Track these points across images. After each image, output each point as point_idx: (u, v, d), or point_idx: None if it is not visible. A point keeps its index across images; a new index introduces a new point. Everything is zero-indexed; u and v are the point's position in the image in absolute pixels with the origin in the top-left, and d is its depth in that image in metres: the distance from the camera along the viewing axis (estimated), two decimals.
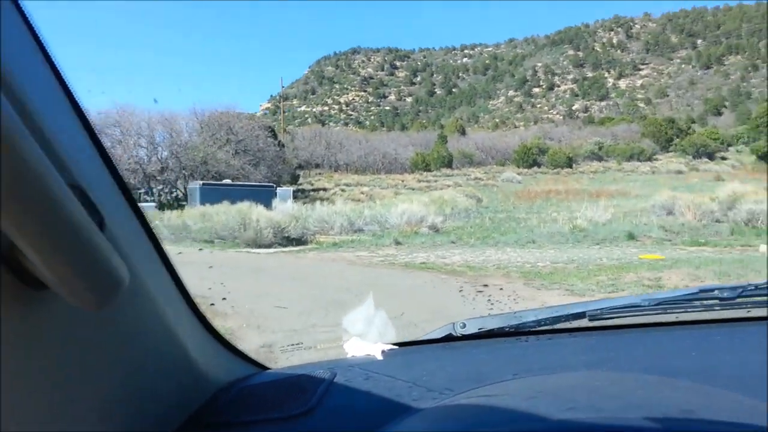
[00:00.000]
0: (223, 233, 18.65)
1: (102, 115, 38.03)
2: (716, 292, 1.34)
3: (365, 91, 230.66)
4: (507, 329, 1.32)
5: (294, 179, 50.57)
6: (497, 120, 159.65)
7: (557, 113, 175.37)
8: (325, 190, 46.53)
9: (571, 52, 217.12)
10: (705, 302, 1.35)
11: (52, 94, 0.70)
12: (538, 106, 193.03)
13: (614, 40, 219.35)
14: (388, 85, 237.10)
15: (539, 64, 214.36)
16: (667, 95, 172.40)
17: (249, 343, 5.86)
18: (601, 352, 1.19)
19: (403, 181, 52.07)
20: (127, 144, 36.87)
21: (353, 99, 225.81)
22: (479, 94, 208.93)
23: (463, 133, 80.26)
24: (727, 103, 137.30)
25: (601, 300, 1.40)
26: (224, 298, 8.45)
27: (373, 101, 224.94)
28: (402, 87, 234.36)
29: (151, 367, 0.84)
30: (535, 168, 59.76)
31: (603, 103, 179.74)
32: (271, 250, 16.70)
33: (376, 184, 49.76)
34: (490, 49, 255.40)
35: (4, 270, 0.57)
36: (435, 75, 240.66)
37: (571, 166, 59.97)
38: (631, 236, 16.45)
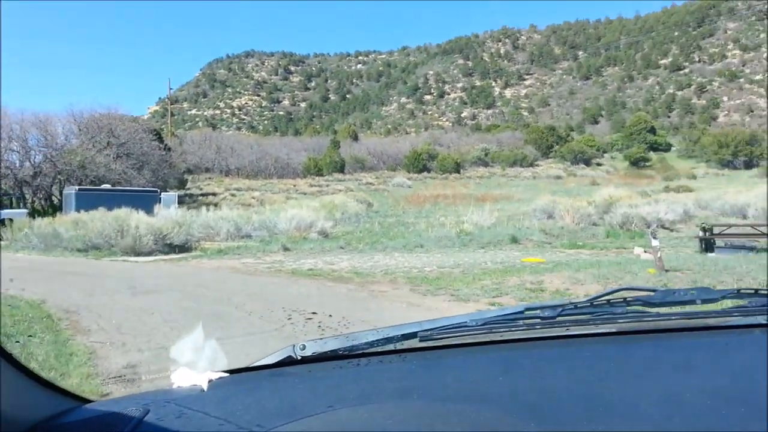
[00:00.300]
0: (97, 241, 17.54)
1: None
2: (539, 311, 1.36)
3: (259, 95, 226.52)
4: (341, 351, 1.29)
5: (182, 184, 48.79)
6: (390, 126, 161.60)
7: (447, 120, 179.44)
8: (214, 194, 45.21)
9: (461, 61, 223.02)
10: (528, 321, 1.37)
11: None
12: (429, 113, 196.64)
13: (501, 51, 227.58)
14: (282, 90, 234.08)
15: (431, 72, 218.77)
16: (549, 104, 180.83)
17: (112, 363, 5.39)
18: (418, 378, 1.18)
19: (295, 185, 51.67)
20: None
21: (246, 103, 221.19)
22: (372, 100, 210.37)
23: (355, 138, 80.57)
24: (603, 112, 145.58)
25: (435, 319, 1.39)
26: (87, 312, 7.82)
27: (267, 106, 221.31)
28: (296, 92, 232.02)
29: None
30: (425, 173, 61.06)
31: (490, 111, 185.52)
32: (150, 258, 15.86)
33: (267, 189, 49.09)
34: (383, 56, 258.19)
35: None
36: (329, 81, 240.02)
37: (459, 172, 61.66)
38: (514, 239, 16.96)
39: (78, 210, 23.60)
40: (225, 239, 18.78)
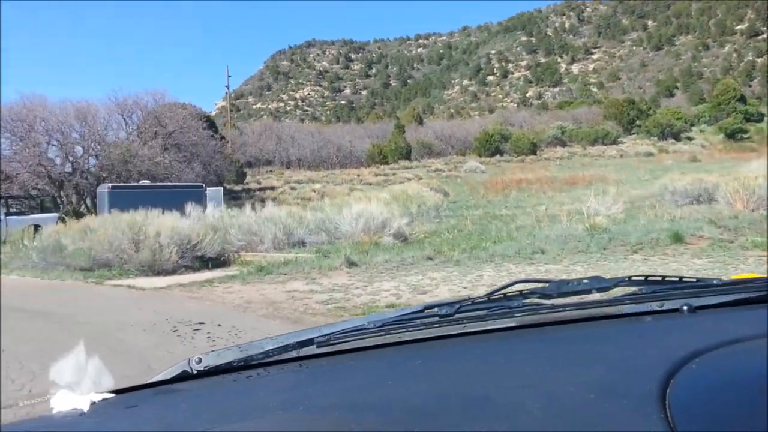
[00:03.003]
0: (107, 256, 13.34)
1: (6, 109, 32.16)
2: (437, 309, 1.33)
3: (320, 85, 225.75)
4: (235, 363, 1.23)
5: (240, 178, 45.20)
6: (452, 110, 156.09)
7: (511, 101, 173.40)
8: (272, 188, 41.28)
9: (524, 38, 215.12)
10: (425, 321, 1.33)
11: None
12: (493, 94, 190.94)
13: (566, 25, 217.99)
14: (344, 79, 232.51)
15: (493, 52, 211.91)
16: (619, 78, 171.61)
17: None
18: (306, 387, 1.14)
19: (359, 175, 47.68)
20: (36, 142, 30.94)
21: (309, 94, 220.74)
22: (434, 84, 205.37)
23: (420, 122, 75.85)
24: (678, 84, 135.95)
25: (334, 323, 1.37)
26: None
27: (329, 95, 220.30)
28: (357, 80, 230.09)
29: None
30: (498, 156, 56.35)
31: (557, 89, 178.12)
32: (165, 282, 11.46)
33: (329, 180, 45.22)
34: (444, 38, 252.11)
35: None
36: (390, 66, 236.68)
37: (535, 153, 56.89)
38: (677, 237, 11.73)
39: (111, 211, 20.05)
40: (271, 248, 14.27)
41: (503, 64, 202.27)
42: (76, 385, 1.10)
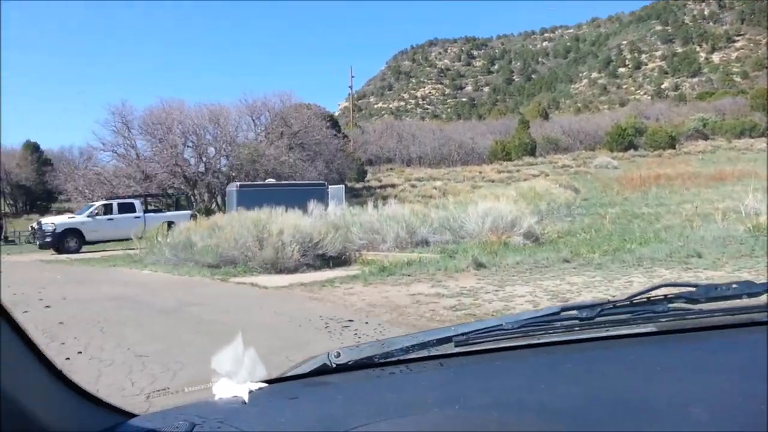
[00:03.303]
0: (232, 253, 13.35)
1: (147, 112, 34.24)
2: (576, 311, 1.33)
3: (441, 83, 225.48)
4: (376, 359, 1.26)
5: (361, 176, 45.47)
6: (579, 104, 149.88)
7: (645, 93, 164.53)
8: (393, 186, 41.13)
9: (659, 27, 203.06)
10: (565, 323, 1.32)
11: None
12: (624, 86, 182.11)
13: (705, 12, 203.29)
14: (465, 76, 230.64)
15: (624, 43, 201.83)
16: (766, 67, 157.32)
17: None
18: (457, 385, 1.17)
19: (481, 172, 46.54)
20: (173, 143, 32.62)
21: (429, 92, 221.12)
22: (560, 78, 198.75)
23: (545, 117, 73.21)
24: None
25: (468, 323, 1.38)
26: None
27: (450, 93, 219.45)
28: (479, 76, 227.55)
29: None
30: (632, 151, 53.06)
31: (695, 80, 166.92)
32: (286, 280, 11.19)
33: (450, 178, 44.45)
34: (571, 30, 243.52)
35: None
36: (513, 62, 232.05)
37: (674, 147, 53.18)
38: None
39: (238, 209, 20.48)
40: (393, 247, 13.73)
41: (635, 54, 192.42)
42: (234, 374, 1.17)
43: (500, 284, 9.42)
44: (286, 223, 13.63)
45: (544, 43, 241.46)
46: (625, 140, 54.43)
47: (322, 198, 22.85)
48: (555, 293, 8.51)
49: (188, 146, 33.61)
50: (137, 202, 24.45)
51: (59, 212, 31.53)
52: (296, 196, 20.74)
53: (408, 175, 47.59)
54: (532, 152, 53.66)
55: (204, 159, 33.33)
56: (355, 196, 33.96)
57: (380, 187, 41.72)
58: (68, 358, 5.81)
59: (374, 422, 0.97)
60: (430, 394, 1.10)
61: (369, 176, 47.44)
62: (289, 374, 1.29)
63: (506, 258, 11.54)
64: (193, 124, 33.61)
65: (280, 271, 12.55)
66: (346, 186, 35.27)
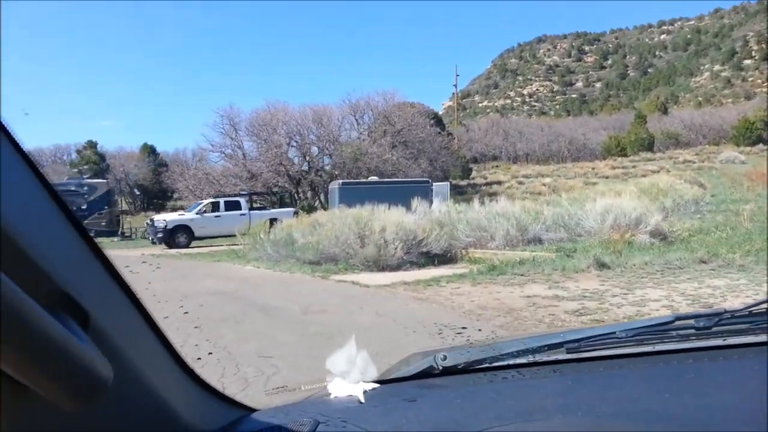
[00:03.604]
0: (333, 251, 12.88)
1: (253, 114, 34.98)
2: (692, 320, 1.30)
3: (550, 80, 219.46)
4: (486, 362, 1.26)
5: (466, 173, 44.39)
6: (700, 98, 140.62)
7: None
8: (499, 183, 39.78)
9: None
10: (681, 332, 1.30)
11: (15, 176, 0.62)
12: (750, 79, 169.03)
13: None
14: (576, 72, 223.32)
15: (751, 33, 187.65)
16: None
17: None
18: (576, 393, 1.15)
19: (593, 168, 44.20)
20: (278, 143, 33.09)
21: (537, 89, 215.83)
22: (679, 71, 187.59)
23: (664, 111, 68.93)
24: None
25: (578, 329, 1.37)
26: None
27: (559, 90, 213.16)
28: (590, 72, 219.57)
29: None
30: (761, 145, 48.65)
31: None
32: (389, 279, 10.50)
33: (560, 174, 42.45)
34: (692, 22, 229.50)
35: None
36: (628, 56, 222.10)
37: None
38: None
39: (340, 206, 20.23)
40: (503, 245, 12.76)
41: (763, 46, 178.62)
42: (347, 374, 1.19)
43: (628, 287, 8.30)
44: (388, 220, 13.04)
45: (662, 36, 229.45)
46: (753, 134, 50.21)
47: (426, 195, 22.15)
48: (694, 297, 7.34)
49: (292, 146, 34.00)
50: (243, 200, 24.80)
51: (173, 209, 32.73)
52: (399, 193, 20.25)
53: (515, 171, 46.04)
54: (649, 147, 50.57)
55: (307, 158, 33.58)
56: (459, 194, 33.06)
57: (486, 184, 40.49)
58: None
59: (498, 426, 0.95)
60: (550, 400, 1.08)
61: (474, 173, 46.27)
62: (396, 375, 1.29)
63: (632, 258, 10.32)
64: (297, 124, 33.97)
65: (382, 269, 11.98)
66: (450, 183, 34.43)
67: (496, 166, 51.65)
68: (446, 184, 28.29)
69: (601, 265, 9.79)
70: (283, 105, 35.21)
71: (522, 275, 9.76)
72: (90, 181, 33.40)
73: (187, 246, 22.32)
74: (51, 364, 0.55)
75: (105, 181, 33.78)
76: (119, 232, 31.41)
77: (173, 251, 20.79)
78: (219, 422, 1.05)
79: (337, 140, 33.85)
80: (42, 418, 0.65)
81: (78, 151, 51.83)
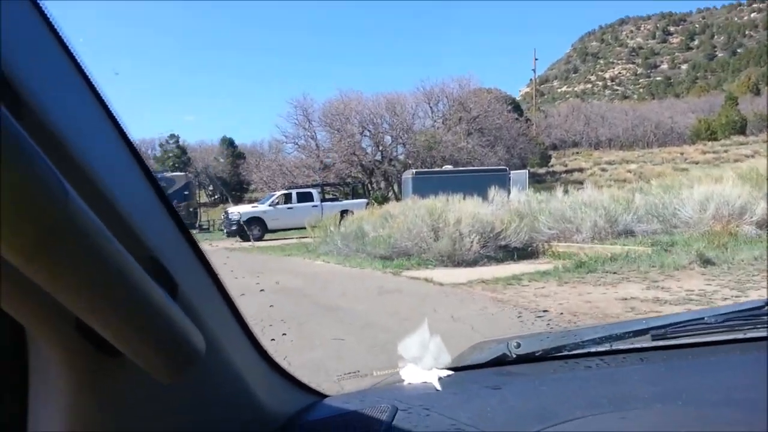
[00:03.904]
0: (405, 244, 12.23)
1: (326, 104, 34.78)
2: None
3: (633, 62, 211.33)
4: (565, 350, 1.23)
5: (544, 161, 42.82)
6: None
7: None
8: (580, 170, 38.10)
9: None
10: None
11: (109, 149, 0.65)
12: None
13: None
14: (660, 54, 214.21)
15: None
16: None
17: None
18: (671, 380, 1.10)
19: (682, 153, 41.77)
20: (351, 133, 32.75)
21: (619, 73, 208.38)
22: None
23: (756, 92, 64.65)
24: None
25: (664, 316, 1.35)
26: None
27: (642, 72, 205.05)
28: (676, 53, 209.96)
29: (220, 414, 0.85)
30: None
31: None
32: (465, 275, 9.73)
33: (646, 160, 40.28)
34: None
35: (79, 338, 0.58)
36: (716, 36, 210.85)
37: None
38: None
39: (414, 196, 19.62)
40: (590, 238, 11.74)
41: None
42: (420, 360, 1.17)
43: (739, 286, 7.25)
44: (464, 211, 12.26)
45: (752, 15, 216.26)
46: None
47: (504, 184, 21.17)
48: None
49: (365, 135, 33.58)
50: (315, 191, 24.56)
51: (250, 202, 32.99)
52: (475, 182, 19.50)
53: (597, 158, 44.07)
54: (741, 130, 47.43)
55: (380, 147, 33.07)
56: (538, 182, 31.79)
57: (566, 171, 38.89)
58: None
59: (594, 415, 0.92)
60: (643, 388, 1.04)
61: (553, 161, 44.57)
62: (469, 363, 1.26)
63: (739, 252, 9.18)
64: (370, 113, 33.51)
65: (458, 264, 11.26)
66: (528, 172, 33.18)
67: (577, 153, 49.65)
68: (524, 172, 27.11)
69: (705, 262, 8.70)
70: (357, 94, 34.92)
71: (614, 273, 8.80)
72: (168, 174, 34.09)
73: (260, 239, 22.25)
74: (152, 330, 0.55)
75: (183, 174, 34.42)
76: (197, 225, 31.93)
77: (247, 244, 20.72)
78: (293, 407, 1.05)
79: (411, 129, 33.15)
80: (134, 389, 0.66)
81: (161, 145, 53.40)
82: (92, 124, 0.61)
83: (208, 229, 31.76)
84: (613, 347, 1.23)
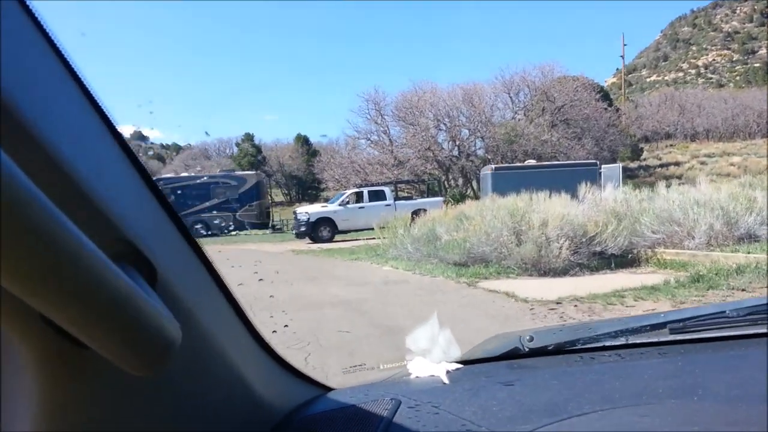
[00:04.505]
0: (482, 249, 10.75)
1: (399, 97, 33.53)
2: None
3: (729, 48, 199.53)
4: (579, 344, 1.21)
5: (635, 154, 39.98)
6: None
7: None
8: (677, 164, 35.18)
9: None
10: None
11: (79, 118, 0.62)
12: None
13: None
14: (758, 38, 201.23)
15: None
16: None
17: None
18: (688, 375, 1.08)
19: None
20: (425, 127, 31.33)
21: (714, 60, 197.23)
22: None
23: None
24: None
25: (683, 309, 1.33)
26: None
27: (739, 59, 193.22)
28: None
29: (213, 407, 0.84)
30: None
31: None
32: (560, 287, 8.15)
33: (750, 152, 36.77)
34: None
35: (48, 330, 0.56)
36: None
37: None
38: None
39: (493, 194, 18.13)
40: (704, 244, 9.86)
41: None
42: (428, 353, 1.16)
43: None
44: (550, 211, 10.66)
45: None
46: None
47: (594, 180, 19.24)
48: None
49: (441, 129, 32.06)
50: (387, 190, 23.32)
51: (325, 200, 32.22)
52: (562, 178, 18.13)
53: (694, 150, 40.81)
54: None
55: (457, 142, 31.43)
56: (629, 177, 29.38)
57: (661, 165, 36.05)
58: None
59: (604, 409, 0.91)
60: (659, 383, 1.02)
61: (645, 154, 41.57)
62: (480, 356, 1.25)
63: None
64: (445, 105, 31.91)
65: (544, 273, 9.77)
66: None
67: (671, 145, 46.32)
68: (617, 166, 24.82)
69: None
70: (431, 85, 33.37)
71: (743, 290, 7.05)
72: (240, 173, 33.69)
73: (330, 240, 21.23)
74: (115, 319, 0.51)
75: (254, 173, 33.86)
76: (269, 225, 31.39)
77: (315, 246, 19.71)
78: (295, 400, 1.04)
79: (490, 121, 31.34)
80: (106, 383, 0.64)
81: (237, 144, 53.74)
82: (51, 86, 0.57)
83: (281, 229, 31.09)
84: (630, 341, 1.20)
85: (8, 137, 0.43)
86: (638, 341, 1.20)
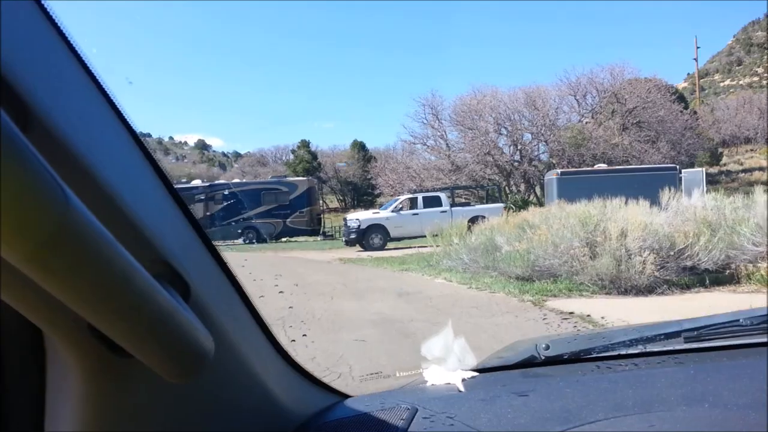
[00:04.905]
0: (550, 262, 9.33)
1: (457, 101, 32.22)
2: None
3: None
4: (595, 352, 1.22)
5: (714, 159, 37.32)
6: None
7: None
8: (760, 169, 32.53)
9: None
10: None
11: (118, 148, 0.67)
12: None
13: None
14: None
15: None
16: None
17: None
18: (700, 383, 1.08)
19: None
20: (485, 131, 29.88)
21: None
22: None
23: None
24: None
25: (697, 318, 1.32)
26: None
27: None
28: None
29: (237, 412, 0.86)
30: None
31: None
32: (647, 308, 6.70)
33: None
34: None
35: (93, 339, 0.60)
36: None
37: None
38: None
39: (559, 200, 16.66)
40: None
41: None
42: (443, 361, 1.16)
43: None
44: (629, 220, 9.18)
45: None
46: None
47: (674, 186, 17.45)
48: None
49: (501, 133, 30.54)
50: (443, 195, 21.94)
51: (380, 207, 31.14)
52: (637, 184, 16.90)
53: None
54: None
55: (519, 146, 29.87)
56: (709, 183, 27.14)
57: (743, 171, 33.44)
58: None
59: (617, 417, 0.93)
60: (671, 391, 1.03)
61: (725, 159, 38.86)
62: (496, 364, 1.25)
63: None
64: (507, 109, 30.38)
65: (625, 292, 8.38)
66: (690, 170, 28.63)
67: (752, 150, 43.32)
68: (700, 171, 22.70)
69: None
70: (491, 88, 31.88)
71: None
72: (291, 179, 32.90)
73: (381, 248, 20.02)
74: (157, 332, 0.56)
75: (306, 178, 33.01)
76: (321, 231, 30.50)
77: (365, 254, 18.53)
78: (313, 407, 1.05)
79: (554, 125, 29.60)
80: (144, 389, 0.68)
81: (293, 151, 53.39)
82: (101, 128, 0.62)
83: (333, 236, 30.13)
84: (644, 350, 1.21)
85: (68, 175, 0.45)
86: (653, 350, 1.20)
